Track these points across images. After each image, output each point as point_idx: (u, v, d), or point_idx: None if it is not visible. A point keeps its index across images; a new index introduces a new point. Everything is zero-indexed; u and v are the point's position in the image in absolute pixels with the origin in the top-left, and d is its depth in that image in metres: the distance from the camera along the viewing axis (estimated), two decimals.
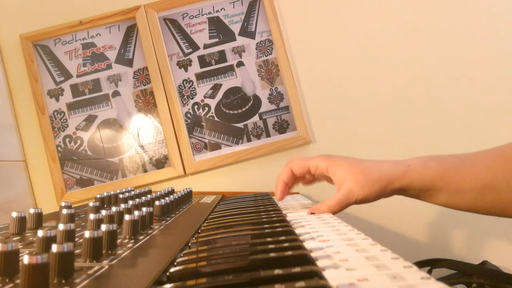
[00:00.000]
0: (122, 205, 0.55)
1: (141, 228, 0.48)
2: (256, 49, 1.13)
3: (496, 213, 0.54)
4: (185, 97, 1.12)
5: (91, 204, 0.61)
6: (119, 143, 1.12)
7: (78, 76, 1.14)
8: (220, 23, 1.15)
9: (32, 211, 0.54)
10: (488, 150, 0.55)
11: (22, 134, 1.13)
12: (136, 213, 0.47)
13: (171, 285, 0.30)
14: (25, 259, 0.26)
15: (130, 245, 0.41)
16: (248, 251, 0.37)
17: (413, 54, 1.11)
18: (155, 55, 1.12)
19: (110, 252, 0.38)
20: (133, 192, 0.79)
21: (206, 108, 1.12)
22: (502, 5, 1.11)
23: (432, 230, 1.06)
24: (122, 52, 1.14)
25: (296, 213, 0.60)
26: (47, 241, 0.36)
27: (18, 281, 0.29)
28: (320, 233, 0.43)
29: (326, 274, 0.29)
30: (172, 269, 0.33)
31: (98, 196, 0.74)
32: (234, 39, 1.14)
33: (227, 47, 1.14)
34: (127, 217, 0.45)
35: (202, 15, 1.15)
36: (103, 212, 0.48)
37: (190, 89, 1.13)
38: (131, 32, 1.14)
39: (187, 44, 1.14)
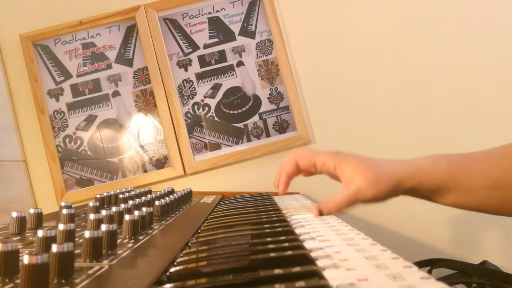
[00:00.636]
0: (122, 205, 0.55)
1: (141, 228, 0.48)
2: (256, 49, 1.13)
3: (505, 212, 0.54)
4: (185, 97, 1.12)
5: (91, 204, 0.61)
6: (119, 143, 1.12)
7: (78, 76, 1.14)
8: (220, 23, 1.15)
9: (32, 211, 0.54)
10: (495, 148, 0.55)
11: (22, 134, 1.13)
12: (136, 213, 0.47)
13: (171, 285, 0.30)
14: (25, 259, 0.26)
15: (130, 245, 0.41)
16: (248, 251, 0.37)
17: (413, 54, 1.11)
18: (155, 55, 1.12)
19: (110, 252, 0.38)
20: (133, 192, 0.79)
21: (206, 108, 1.12)
22: (502, 5, 1.11)
23: (432, 230, 1.06)
24: (122, 52, 1.14)
25: (296, 212, 0.60)
26: (47, 241, 0.36)
27: (18, 281, 0.29)
28: (320, 233, 0.43)
29: (326, 274, 0.29)
30: (172, 269, 0.33)
31: (98, 196, 0.74)
32: (234, 39, 1.14)
33: (227, 47, 1.14)
34: (127, 217, 0.45)
35: (202, 15, 1.15)
36: (103, 212, 0.48)
37: (190, 89, 1.13)
38: (131, 32, 1.14)
39: (187, 44, 1.14)
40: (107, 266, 0.33)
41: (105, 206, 0.73)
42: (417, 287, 0.25)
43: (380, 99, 1.11)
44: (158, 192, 0.78)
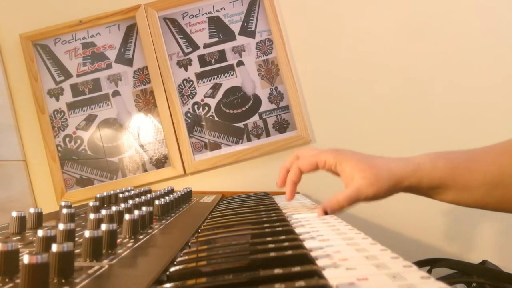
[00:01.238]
0: (122, 205, 0.55)
1: (141, 228, 0.48)
2: (256, 48, 1.13)
3: (505, 209, 0.54)
4: (185, 96, 1.12)
5: (91, 203, 0.61)
6: (119, 143, 1.12)
7: (78, 75, 1.14)
8: (220, 22, 1.15)
9: (32, 210, 0.54)
10: (495, 144, 0.55)
11: (22, 133, 1.13)
12: (136, 212, 0.47)
13: (171, 284, 0.30)
14: (25, 258, 0.26)
15: (130, 244, 0.41)
16: (248, 251, 0.37)
17: (413, 54, 1.11)
18: (155, 55, 1.12)
19: (110, 251, 0.38)
20: (133, 192, 0.79)
21: (206, 108, 1.12)
22: (502, 5, 1.11)
23: (432, 230, 1.06)
24: (122, 52, 1.14)
25: (296, 212, 0.60)
26: (47, 241, 0.36)
27: (18, 280, 0.29)
28: (320, 233, 0.43)
29: (326, 273, 0.29)
30: (172, 269, 0.33)
31: (98, 195, 0.74)
32: (234, 39, 1.14)
33: (227, 46, 1.14)
34: (127, 216, 0.45)
35: (202, 15, 1.15)
36: (103, 212, 0.48)
37: (190, 88, 1.13)
38: (131, 31, 1.14)
39: (187, 44, 1.14)
40: (107, 266, 0.33)
41: (105, 205, 0.73)
42: (417, 286, 0.25)
43: (380, 98, 1.11)
44: (158, 192, 0.78)
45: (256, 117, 1.11)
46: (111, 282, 0.30)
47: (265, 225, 0.47)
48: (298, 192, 0.98)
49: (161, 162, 1.11)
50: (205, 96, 1.12)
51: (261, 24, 1.14)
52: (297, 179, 0.62)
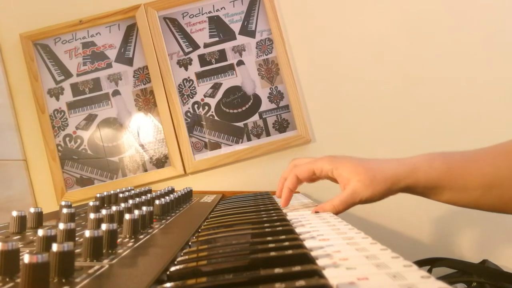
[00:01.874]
0: (122, 204, 0.55)
1: (141, 227, 0.48)
2: (256, 48, 1.13)
3: (501, 210, 0.54)
4: (185, 96, 1.12)
5: (91, 203, 0.61)
6: (119, 142, 1.12)
7: (78, 75, 1.14)
8: (220, 22, 1.15)
9: (32, 210, 0.54)
10: (492, 146, 0.55)
11: (22, 133, 1.13)
12: (136, 212, 0.47)
13: (172, 284, 0.30)
14: (26, 258, 0.26)
15: (130, 244, 0.41)
16: (248, 250, 0.37)
17: (414, 53, 1.11)
18: (155, 54, 1.12)
19: (110, 251, 0.38)
20: (133, 191, 0.79)
21: (206, 107, 1.12)
22: (502, 5, 1.11)
23: (432, 229, 1.06)
24: (122, 51, 1.14)
25: (297, 212, 0.60)
26: (48, 240, 0.36)
27: (18, 280, 0.29)
28: (320, 232, 0.43)
29: (326, 273, 0.29)
30: (173, 268, 0.33)
31: (98, 195, 0.74)
32: (234, 38, 1.14)
33: (227, 46, 1.14)
34: (127, 216, 0.45)
35: (202, 14, 1.14)
36: (103, 212, 0.48)
37: (190, 88, 1.13)
38: (131, 31, 1.14)
39: (187, 43, 1.14)
40: (107, 266, 0.33)
41: (105, 205, 0.73)
42: (417, 286, 0.25)
43: (380, 98, 1.11)
44: (158, 191, 0.78)
45: (256, 117, 1.11)
46: (111, 282, 0.30)
47: (265, 224, 0.47)
48: (298, 192, 0.98)
49: (161, 162, 1.11)
50: (205, 96, 1.12)
51: (261, 24, 1.14)
52: (293, 186, 0.64)
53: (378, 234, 0.42)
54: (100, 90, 1.14)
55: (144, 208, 0.50)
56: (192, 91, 1.13)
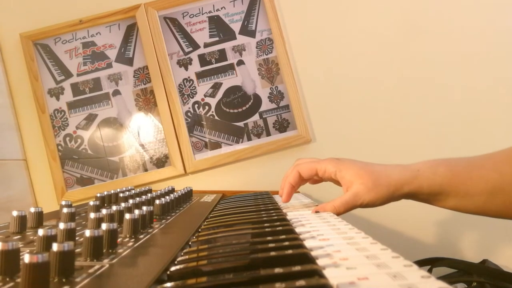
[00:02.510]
0: (123, 204, 0.55)
1: (142, 227, 0.48)
2: (256, 47, 1.13)
3: (506, 216, 0.54)
4: (186, 96, 1.12)
5: (91, 203, 0.61)
6: (119, 142, 1.12)
7: (78, 75, 1.14)
8: (221, 22, 1.14)
9: (32, 210, 0.54)
10: (496, 152, 0.55)
11: (23, 133, 1.13)
12: (137, 212, 0.47)
13: (172, 284, 0.30)
14: (26, 258, 0.26)
15: (130, 244, 0.41)
16: (248, 250, 0.37)
17: (414, 53, 1.11)
18: (155, 54, 1.12)
19: (110, 251, 0.38)
20: (133, 191, 0.79)
21: (207, 107, 1.12)
22: (502, 5, 1.11)
23: (432, 229, 1.06)
24: (122, 51, 1.14)
25: (297, 211, 0.60)
26: (48, 240, 0.36)
27: (18, 280, 0.29)
28: (320, 232, 0.43)
29: (326, 273, 0.29)
30: (173, 268, 0.33)
31: (98, 195, 0.74)
32: (235, 38, 1.14)
33: (227, 45, 1.14)
34: (127, 216, 0.45)
35: (202, 14, 1.14)
36: (104, 211, 0.48)
37: (191, 88, 1.13)
38: (131, 31, 1.14)
39: (187, 43, 1.14)
40: (107, 265, 0.33)
41: (105, 205, 0.73)
42: (418, 286, 0.25)
43: (381, 97, 1.11)
44: (159, 191, 0.78)
45: (256, 117, 1.11)
46: (111, 282, 0.30)
47: (266, 224, 0.47)
48: (298, 192, 0.98)
49: (161, 162, 1.11)
50: (205, 96, 1.12)
51: (261, 24, 1.13)
52: (295, 182, 0.63)
53: (378, 234, 0.42)
54: (100, 90, 1.14)
55: (144, 207, 0.50)
56: (192, 91, 1.12)
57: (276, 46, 1.12)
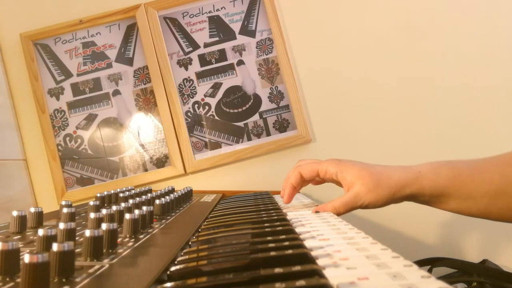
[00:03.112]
0: (123, 204, 0.55)
1: (142, 227, 0.48)
2: (256, 47, 1.13)
3: (508, 219, 0.54)
4: (186, 96, 1.12)
5: (91, 203, 0.61)
6: (119, 142, 1.12)
7: (78, 75, 1.14)
8: (221, 22, 1.14)
9: (32, 210, 0.54)
10: (499, 155, 0.55)
11: (23, 133, 1.13)
12: (137, 212, 0.47)
13: (172, 284, 0.30)
14: (26, 258, 0.26)
15: (130, 244, 0.41)
16: (248, 250, 0.37)
17: (414, 54, 1.11)
18: (155, 54, 1.12)
19: (110, 251, 0.38)
20: (133, 191, 0.79)
21: (207, 107, 1.12)
22: (502, 6, 1.11)
23: (432, 229, 1.06)
24: (122, 51, 1.14)
25: (297, 212, 0.60)
26: (48, 240, 0.36)
27: (18, 280, 0.29)
28: (320, 232, 0.43)
29: (326, 273, 0.29)
30: (173, 268, 0.33)
31: (98, 195, 0.74)
32: (235, 38, 1.14)
33: (227, 45, 1.14)
34: (127, 216, 0.45)
35: (203, 14, 1.14)
36: (104, 211, 0.48)
37: (191, 88, 1.13)
38: (131, 31, 1.14)
39: (187, 43, 1.14)
40: (107, 265, 0.33)
41: (105, 205, 0.73)
42: (418, 286, 0.25)
43: (381, 97, 1.11)
44: (159, 191, 0.78)
45: (256, 117, 1.11)
46: (111, 282, 0.30)
47: (266, 224, 0.47)
48: (299, 192, 0.98)
49: (161, 162, 1.11)
50: (205, 96, 1.12)
51: (261, 24, 1.13)
52: (296, 183, 0.63)
53: (379, 234, 0.42)
54: (100, 90, 1.14)
55: (144, 207, 0.50)
56: (192, 91, 1.12)
57: (276, 46, 1.12)
